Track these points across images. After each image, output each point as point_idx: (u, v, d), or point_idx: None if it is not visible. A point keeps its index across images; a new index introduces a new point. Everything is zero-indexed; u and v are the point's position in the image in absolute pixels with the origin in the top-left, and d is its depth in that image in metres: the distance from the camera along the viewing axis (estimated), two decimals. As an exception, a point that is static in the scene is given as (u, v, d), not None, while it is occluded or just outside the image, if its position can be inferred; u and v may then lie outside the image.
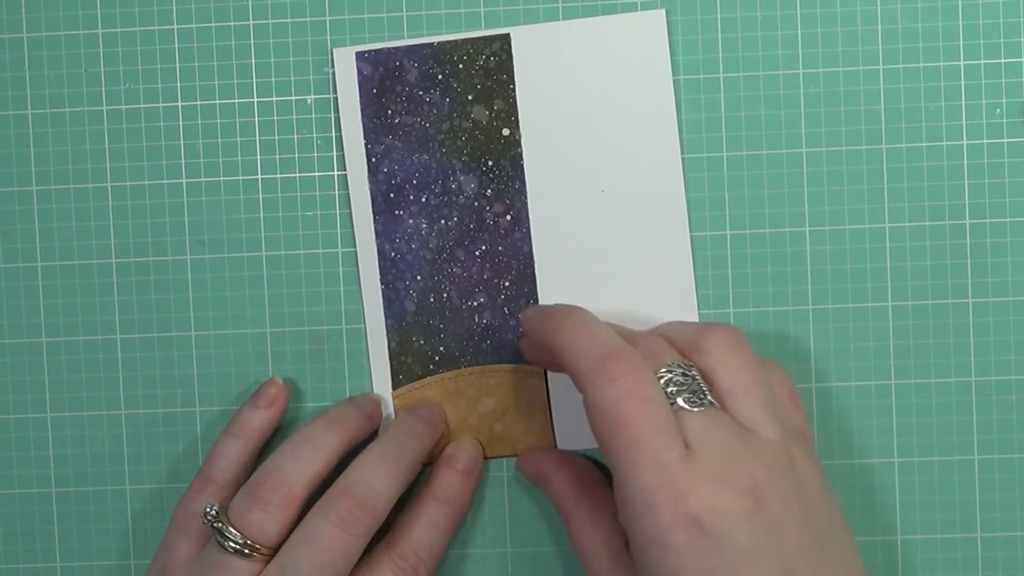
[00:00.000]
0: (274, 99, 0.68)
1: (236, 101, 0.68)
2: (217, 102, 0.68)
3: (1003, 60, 0.66)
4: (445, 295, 0.67)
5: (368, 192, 0.67)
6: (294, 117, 0.68)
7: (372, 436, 0.67)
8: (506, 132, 0.67)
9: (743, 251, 0.67)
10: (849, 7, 0.66)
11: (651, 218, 0.66)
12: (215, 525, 0.61)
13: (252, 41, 0.68)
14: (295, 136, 0.68)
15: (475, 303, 0.67)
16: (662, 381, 0.56)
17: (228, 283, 0.68)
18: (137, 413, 0.68)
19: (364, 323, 0.67)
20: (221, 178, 0.68)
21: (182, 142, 0.68)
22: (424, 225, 0.67)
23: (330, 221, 0.68)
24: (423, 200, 0.67)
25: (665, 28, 0.66)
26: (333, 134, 0.68)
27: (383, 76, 0.67)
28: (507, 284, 0.67)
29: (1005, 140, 0.66)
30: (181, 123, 0.68)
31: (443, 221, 0.67)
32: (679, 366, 0.57)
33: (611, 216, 0.66)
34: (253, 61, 0.68)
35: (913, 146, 0.66)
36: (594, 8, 0.67)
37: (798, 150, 0.66)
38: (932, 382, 0.66)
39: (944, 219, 0.66)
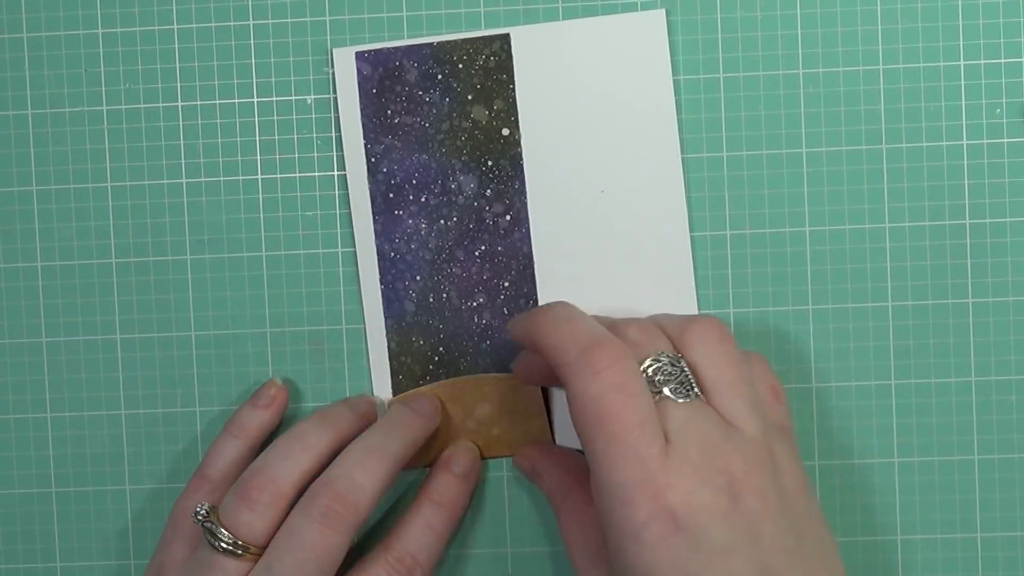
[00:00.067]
0: (274, 99, 0.68)
1: (236, 101, 0.68)
2: (217, 102, 0.68)
3: (1003, 60, 0.66)
4: (445, 295, 0.67)
5: (368, 192, 0.67)
6: (294, 117, 0.68)
7: (372, 436, 0.67)
8: (506, 132, 0.67)
9: (743, 251, 0.67)
10: (849, 7, 0.66)
11: (651, 218, 0.66)
12: (205, 525, 0.61)
13: (252, 41, 0.68)
14: (295, 136, 0.68)
15: (475, 303, 0.67)
16: (650, 370, 0.56)
17: (228, 283, 0.68)
18: (137, 413, 0.68)
19: (363, 323, 0.67)
20: (221, 178, 0.68)
21: (182, 142, 0.68)
22: (424, 225, 0.67)
23: (330, 221, 0.68)
24: (423, 200, 0.67)
25: (665, 28, 0.66)
26: (333, 134, 0.68)
27: (383, 76, 0.67)
28: (506, 284, 0.67)
29: (1005, 140, 0.66)
30: (181, 123, 0.68)
31: (443, 221, 0.67)
32: (667, 356, 0.57)
33: (611, 216, 0.66)
34: (253, 61, 0.68)
35: (913, 146, 0.66)
36: (594, 8, 0.67)
37: (798, 150, 0.66)
38: (932, 382, 0.66)
39: (944, 219, 0.66)
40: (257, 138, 0.68)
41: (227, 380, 0.68)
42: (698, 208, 0.67)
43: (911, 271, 0.66)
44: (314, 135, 0.68)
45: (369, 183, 0.67)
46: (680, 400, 0.56)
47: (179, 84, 0.68)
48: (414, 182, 0.67)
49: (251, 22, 0.68)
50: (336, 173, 0.67)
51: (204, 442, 0.68)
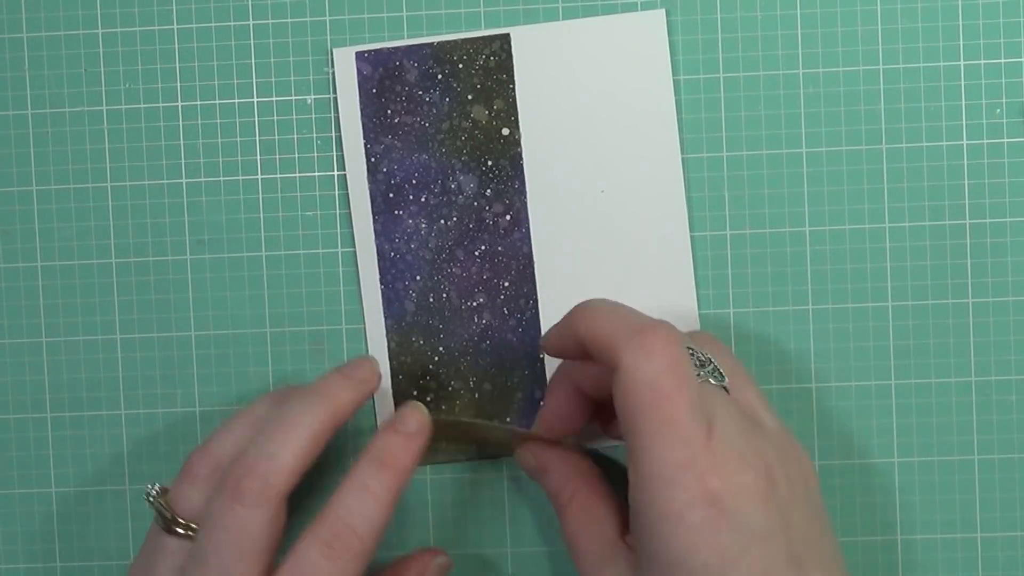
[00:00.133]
0: (274, 99, 0.68)
1: (236, 101, 0.68)
2: (217, 102, 0.68)
3: (1003, 60, 0.66)
4: (444, 295, 0.67)
5: (367, 192, 0.67)
6: (294, 117, 0.68)
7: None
8: (506, 132, 0.67)
9: (743, 251, 0.67)
10: (849, 7, 0.66)
11: (651, 218, 0.66)
12: (155, 504, 0.60)
13: (252, 41, 0.68)
14: (295, 136, 0.68)
15: (474, 303, 0.67)
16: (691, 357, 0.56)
17: (228, 283, 0.68)
18: (137, 413, 0.68)
19: (363, 323, 0.67)
20: (221, 178, 0.68)
21: (182, 142, 0.68)
22: (423, 225, 0.67)
23: (330, 221, 0.68)
24: (422, 200, 0.67)
25: (665, 28, 0.66)
26: (333, 134, 0.68)
27: (383, 76, 0.67)
28: (506, 284, 0.67)
29: (1005, 140, 0.66)
30: (181, 123, 0.68)
31: (442, 221, 0.67)
32: (691, 348, 0.57)
33: (611, 216, 0.66)
34: (253, 61, 0.68)
35: (913, 146, 0.66)
36: (594, 8, 0.67)
37: (798, 150, 0.66)
38: (932, 382, 0.66)
39: (944, 219, 0.66)
40: (257, 138, 0.68)
41: (227, 380, 0.68)
42: (698, 208, 0.67)
43: (911, 271, 0.66)
44: (314, 135, 0.68)
45: (369, 183, 0.67)
46: (717, 386, 0.56)
47: (179, 84, 0.68)
48: (414, 182, 0.67)
49: (251, 22, 0.68)
50: (336, 173, 0.67)
51: (204, 442, 0.68)
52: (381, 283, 0.67)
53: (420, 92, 0.67)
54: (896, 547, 0.67)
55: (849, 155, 0.66)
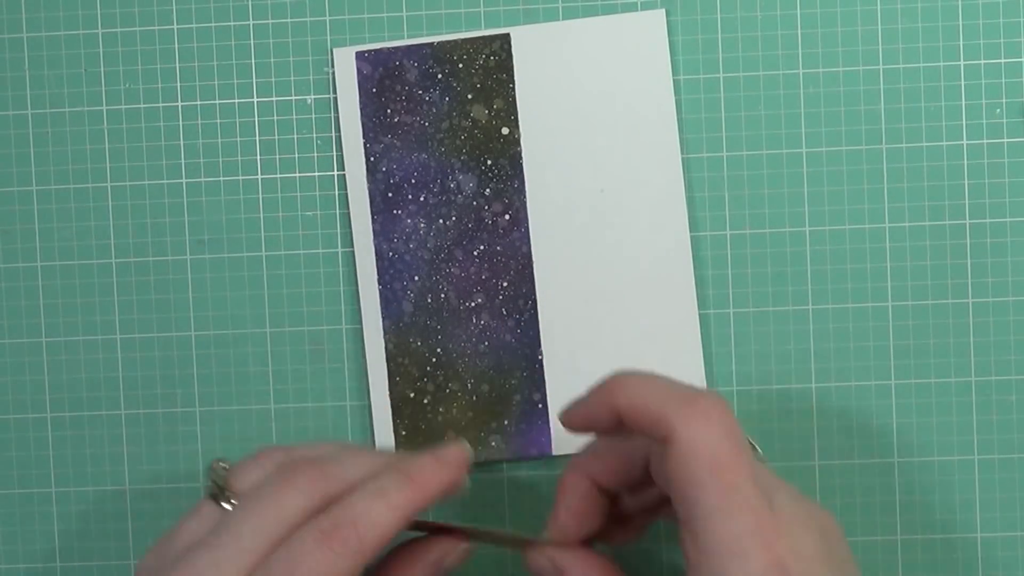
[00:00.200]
0: (274, 99, 0.68)
1: (236, 101, 0.68)
2: (217, 102, 0.68)
3: (1003, 60, 0.65)
4: (443, 295, 0.67)
5: (366, 191, 0.67)
6: (294, 117, 0.68)
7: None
8: (505, 131, 0.67)
9: (743, 251, 0.67)
10: (849, 7, 0.66)
11: (651, 218, 0.66)
12: (213, 471, 0.58)
13: (252, 41, 0.68)
14: (295, 136, 0.68)
15: (473, 303, 0.67)
16: None
17: (228, 283, 0.68)
18: (137, 413, 0.68)
19: (361, 324, 0.67)
20: (221, 178, 0.68)
21: (182, 142, 0.68)
22: (422, 224, 0.67)
23: (330, 221, 0.68)
24: (421, 199, 0.67)
25: (665, 28, 0.66)
26: (333, 134, 0.68)
27: (383, 76, 0.67)
28: (505, 284, 0.67)
29: (1005, 140, 0.66)
30: (181, 123, 0.68)
31: (441, 220, 0.67)
32: None
33: (610, 216, 0.66)
34: (253, 61, 0.68)
35: (913, 146, 0.66)
36: (594, 8, 0.67)
37: (798, 150, 0.66)
38: (932, 382, 0.66)
39: (944, 219, 0.66)
40: (257, 138, 0.68)
41: (227, 380, 0.68)
42: (698, 208, 0.67)
43: (911, 271, 0.66)
44: (314, 135, 0.68)
45: (368, 182, 0.67)
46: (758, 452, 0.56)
47: (179, 84, 0.68)
48: (413, 181, 0.67)
49: (251, 22, 0.68)
50: (336, 173, 0.67)
51: (204, 442, 0.68)
52: (379, 283, 0.67)
53: (420, 92, 0.67)
54: (896, 547, 0.67)
55: (849, 155, 0.66)
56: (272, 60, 0.68)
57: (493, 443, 0.67)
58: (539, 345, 0.67)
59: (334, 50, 0.67)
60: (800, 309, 0.67)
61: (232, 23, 0.68)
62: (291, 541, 0.55)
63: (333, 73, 0.67)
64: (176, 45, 0.68)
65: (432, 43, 0.67)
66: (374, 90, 0.67)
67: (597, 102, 0.67)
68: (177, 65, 0.68)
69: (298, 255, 0.68)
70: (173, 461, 0.69)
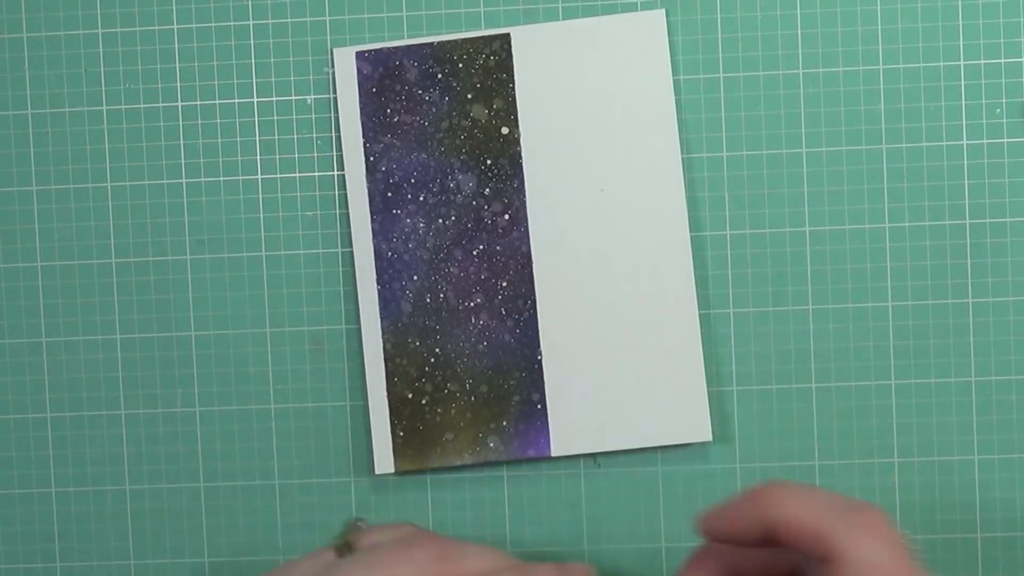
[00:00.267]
0: (274, 99, 0.68)
1: (236, 101, 0.68)
2: (217, 102, 0.68)
3: (1003, 60, 0.65)
4: (442, 295, 0.67)
5: (366, 191, 0.67)
6: (294, 117, 0.68)
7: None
8: (505, 131, 0.67)
9: (743, 251, 0.67)
10: (849, 7, 0.66)
11: (651, 218, 0.66)
12: (347, 525, 0.59)
13: (252, 41, 0.68)
14: (295, 136, 0.68)
15: (472, 304, 0.67)
16: None
17: (228, 283, 0.68)
18: (137, 413, 0.68)
19: (359, 324, 0.67)
20: (221, 178, 0.68)
21: (182, 142, 0.68)
22: (422, 224, 0.67)
23: (330, 221, 0.68)
24: (421, 199, 0.67)
25: (665, 28, 0.66)
26: (333, 134, 0.68)
27: (383, 76, 0.67)
28: (504, 284, 0.67)
29: (1005, 140, 0.65)
30: (181, 123, 0.68)
31: (441, 220, 0.67)
32: None
33: (610, 216, 0.66)
34: (253, 61, 0.68)
35: (913, 146, 0.66)
36: (594, 8, 0.67)
37: (798, 150, 0.66)
38: (932, 382, 0.66)
39: (944, 219, 0.66)
40: (257, 138, 0.68)
41: (227, 380, 0.68)
42: (698, 208, 0.67)
43: (911, 271, 0.66)
44: (314, 135, 0.68)
45: (368, 182, 0.67)
46: None
47: (179, 84, 0.68)
48: (413, 181, 0.67)
49: (251, 22, 0.68)
50: (336, 173, 0.68)
51: (204, 442, 0.68)
52: (378, 283, 0.67)
53: (420, 91, 0.67)
54: (896, 547, 0.67)
55: (849, 155, 0.66)
56: (272, 60, 0.68)
57: (492, 444, 0.67)
58: (538, 345, 0.67)
59: (334, 50, 0.67)
60: (800, 309, 0.66)
61: (232, 23, 0.68)
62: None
63: (333, 73, 0.67)
64: (176, 45, 0.68)
65: (432, 43, 0.67)
66: (374, 90, 0.67)
67: (597, 102, 0.67)
68: (177, 65, 0.68)
69: (298, 255, 0.68)
70: (173, 461, 0.69)
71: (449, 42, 0.67)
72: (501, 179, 0.67)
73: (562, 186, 0.66)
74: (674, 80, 0.67)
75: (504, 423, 0.67)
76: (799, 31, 0.66)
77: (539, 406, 0.66)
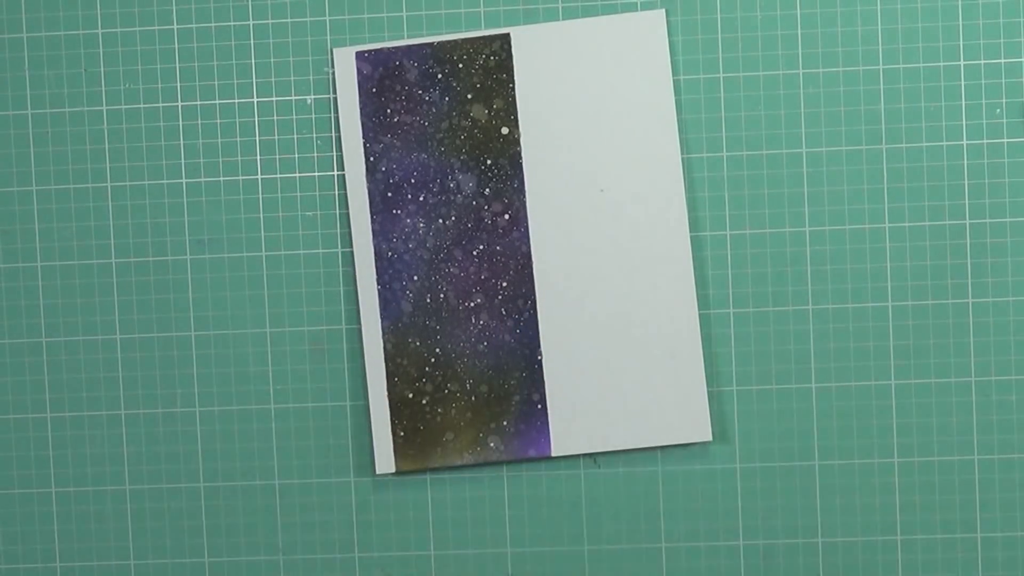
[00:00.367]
0: (274, 99, 0.68)
1: (236, 101, 0.68)
2: (217, 102, 0.68)
3: (1003, 60, 0.65)
4: (442, 295, 0.67)
5: (366, 191, 0.67)
6: (294, 117, 0.68)
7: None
8: (505, 131, 0.67)
9: (743, 251, 0.67)
10: (849, 7, 0.66)
11: (651, 218, 0.66)
12: None
13: (252, 41, 0.68)
14: (295, 136, 0.68)
15: (472, 303, 0.67)
16: None
17: (228, 283, 0.68)
18: (137, 413, 0.68)
19: (359, 324, 0.67)
20: (221, 178, 0.68)
21: (182, 142, 0.68)
22: (422, 224, 0.67)
23: (330, 221, 0.68)
24: (421, 199, 0.67)
25: (665, 28, 0.66)
26: (332, 134, 0.68)
27: (383, 76, 0.67)
28: (504, 284, 0.67)
29: (1005, 140, 0.66)
30: (181, 123, 0.68)
31: (441, 220, 0.67)
32: None
33: (610, 216, 0.66)
34: (253, 61, 0.68)
35: (913, 146, 0.66)
36: (594, 8, 0.67)
37: (798, 150, 0.66)
38: (932, 382, 0.66)
39: (944, 219, 0.66)
40: (257, 138, 0.68)
41: (227, 380, 0.68)
42: (698, 208, 0.67)
43: (911, 271, 0.66)
44: (314, 135, 0.68)
45: (368, 182, 0.67)
46: None
47: (179, 84, 0.68)
48: (413, 181, 0.67)
49: (251, 22, 0.68)
50: (336, 173, 0.68)
51: (204, 442, 0.68)
52: (378, 283, 0.67)
53: (420, 91, 0.67)
54: (896, 547, 0.67)
55: (849, 155, 0.66)
56: (272, 60, 0.68)
57: (492, 444, 0.67)
58: (538, 345, 0.67)
59: (334, 50, 0.67)
60: (800, 309, 0.67)
61: (232, 23, 0.68)
62: None
63: (333, 73, 0.67)
64: (176, 45, 0.68)
65: (432, 43, 0.67)
66: (374, 90, 0.67)
67: (597, 102, 0.67)
68: (177, 65, 0.68)
69: (298, 255, 0.68)
70: (173, 461, 0.69)
71: (449, 42, 0.67)
72: (501, 179, 0.67)
73: (562, 186, 0.67)
74: (674, 80, 0.67)
75: (504, 423, 0.67)
76: (799, 31, 0.66)
77: (539, 406, 0.67)
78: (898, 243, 0.66)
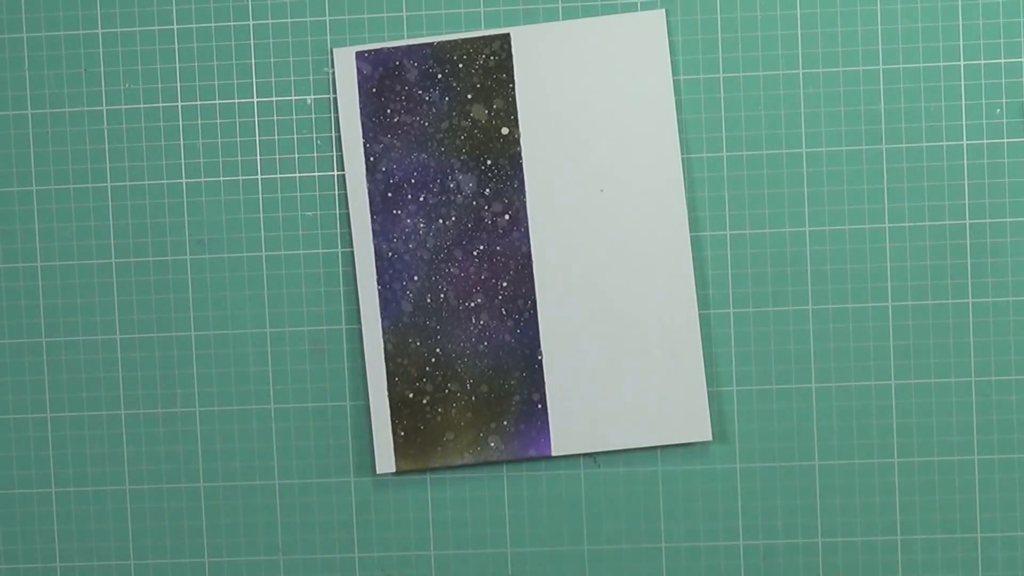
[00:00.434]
0: (274, 99, 0.68)
1: (236, 101, 0.68)
2: (217, 102, 0.68)
3: (1003, 60, 0.65)
4: (442, 296, 0.67)
5: (366, 191, 0.67)
6: (294, 117, 0.68)
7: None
8: (505, 131, 0.67)
9: (743, 251, 0.67)
10: (849, 7, 0.66)
11: (651, 218, 0.66)
12: None
13: (252, 41, 0.68)
14: (295, 136, 0.68)
15: (472, 304, 0.67)
16: None
17: (228, 283, 0.68)
18: (137, 413, 0.68)
19: (359, 324, 0.67)
20: (221, 178, 0.68)
21: (182, 142, 0.68)
22: (422, 224, 0.67)
23: (330, 221, 0.68)
24: (421, 199, 0.67)
25: (665, 28, 0.66)
26: (332, 134, 0.68)
27: (383, 76, 0.67)
28: (504, 284, 0.67)
29: (1005, 140, 0.65)
30: (181, 123, 0.68)
31: (441, 220, 0.67)
32: None
33: (611, 216, 0.66)
34: (253, 61, 0.68)
35: (913, 146, 0.66)
36: (594, 8, 0.67)
37: (798, 150, 0.66)
38: (932, 382, 0.66)
39: (944, 219, 0.66)
40: (257, 138, 0.68)
41: (227, 380, 0.68)
42: (698, 208, 0.67)
43: (911, 271, 0.66)
44: (314, 135, 0.68)
45: (368, 182, 0.67)
46: None
47: (179, 84, 0.68)
48: (413, 181, 0.67)
49: (251, 22, 0.68)
50: (336, 173, 0.68)
51: (204, 442, 0.68)
52: (378, 283, 0.67)
53: (420, 92, 0.67)
54: (896, 547, 0.67)
55: (849, 155, 0.66)
56: (272, 60, 0.68)
57: (492, 444, 0.67)
58: (538, 345, 0.67)
59: (334, 50, 0.67)
60: (800, 309, 0.67)
61: (232, 23, 0.68)
62: None
63: (333, 73, 0.67)
64: (176, 45, 0.68)
65: (432, 43, 0.67)
66: (374, 90, 0.67)
67: (597, 102, 0.67)
68: (177, 65, 0.68)
69: (298, 255, 0.68)
70: (173, 461, 0.69)
71: (449, 42, 0.67)
72: (501, 179, 0.67)
73: (562, 186, 0.67)
74: (674, 80, 0.67)
75: (504, 423, 0.67)
76: (799, 31, 0.66)
77: (539, 406, 0.66)
78: (898, 243, 0.66)
